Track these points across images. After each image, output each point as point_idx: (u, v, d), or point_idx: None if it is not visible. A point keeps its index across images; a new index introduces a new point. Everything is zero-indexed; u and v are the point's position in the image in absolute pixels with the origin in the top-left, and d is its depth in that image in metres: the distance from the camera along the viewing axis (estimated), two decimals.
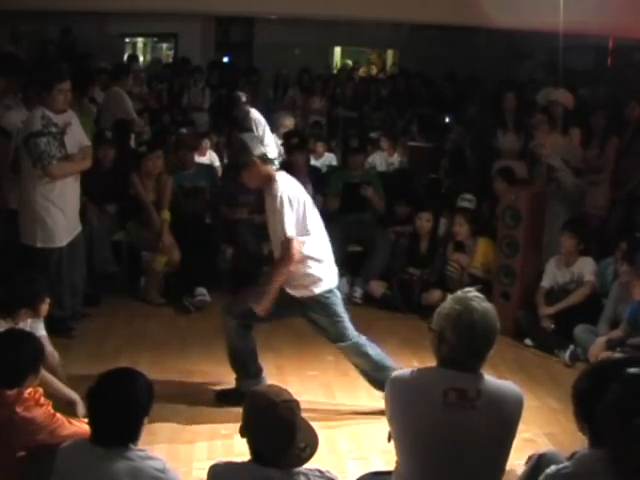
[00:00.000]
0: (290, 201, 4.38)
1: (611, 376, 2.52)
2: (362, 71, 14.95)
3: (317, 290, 4.52)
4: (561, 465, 2.62)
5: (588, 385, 2.69)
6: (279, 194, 4.36)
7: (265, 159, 4.48)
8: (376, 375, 4.60)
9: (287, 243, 4.37)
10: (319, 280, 4.53)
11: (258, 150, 4.49)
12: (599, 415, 2.42)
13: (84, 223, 6.02)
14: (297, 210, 4.42)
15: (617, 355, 2.81)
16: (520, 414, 2.78)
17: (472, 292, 2.83)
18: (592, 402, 2.61)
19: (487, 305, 2.78)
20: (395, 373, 2.87)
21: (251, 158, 4.45)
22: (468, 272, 6.48)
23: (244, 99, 8.74)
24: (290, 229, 4.35)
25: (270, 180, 4.45)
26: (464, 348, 2.73)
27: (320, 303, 4.55)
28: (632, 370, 2.47)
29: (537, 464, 3.07)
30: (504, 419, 2.74)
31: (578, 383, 2.74)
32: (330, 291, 4.58)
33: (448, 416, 2.68)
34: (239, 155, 4.56)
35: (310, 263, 4.50)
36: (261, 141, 4.60)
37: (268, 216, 4.54)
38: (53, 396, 3.76)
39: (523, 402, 2.80)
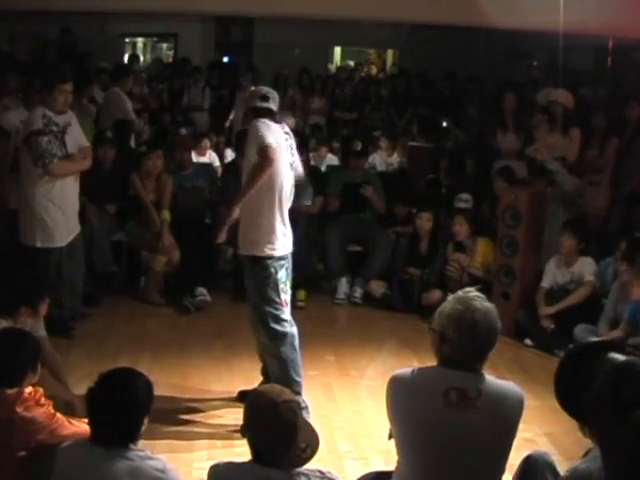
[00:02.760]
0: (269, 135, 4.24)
1: (591, 365, 2.43)
2: (364, 72, 14.95)
3: (257, 252, 4.33)
4: (578, 463, 2.59)
5: (571, 379, 2.63)
6: (256, 123, 4.27)
7: (258, 112, 4.38)
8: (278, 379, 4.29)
9: (264, 150, 4.19)
10: (261, 240, 4.32)
11: (253, 103, 4.43)
12: (588, 411, 2.30)
13: (84, 223, 6.02)
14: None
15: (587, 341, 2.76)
16: (521, 414, 2.78)
17: (473, 292, 2.84)
18: (578, 396, 2.56)
19: (488, 305, 2.78)
20: (395, 372, 2.86)
21: (246, 108, 4.55)
22: (468, 272, 6.48)
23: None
24: (268, 139, 4.19)
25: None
26: (466, 347, 2.73)
27: (254, 266, 4.36)
28: (616, 357, 2.39)
29: (524, 466, 3.06)
30: (504, 419, 2.74)
31: (559, 381, 2.67)
32: (270, 258, 4.33)
33: (449, 415, 2.68)
34: (246, 100, 4.70)
35: (263, 220, 4.32)
36: (266, 97, 4.41)
37: (245, 161, 4.43)
38: (53, 396, 3.76)
39: (524, 402, 2.80)
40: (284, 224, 4.41)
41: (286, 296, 4.42)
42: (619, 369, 2.23)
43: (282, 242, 4.39)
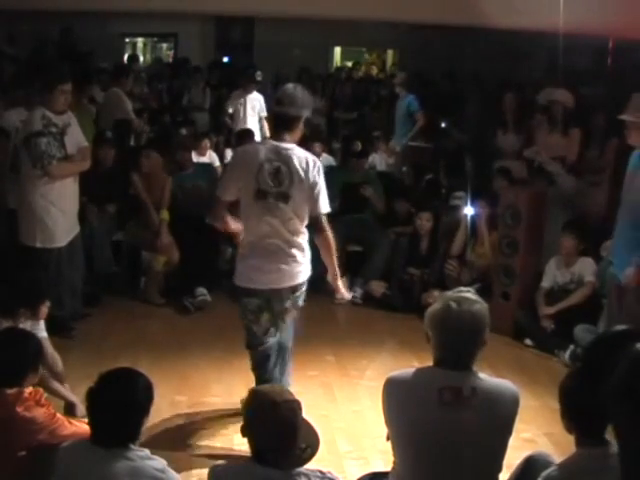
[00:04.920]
0: (232, 163, 4.11)
1: (606, 359, 2.39)
2: (362, 71, 14.96)
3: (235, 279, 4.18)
4: (550, 469, 2.63)
5: (579, 377, 2.66)
6: (233, 153, 4.14)
7: (272, 119, 4.21)
8: None
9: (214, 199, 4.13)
10: (237, 269, 4.16)
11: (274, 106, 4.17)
12: (607, 403, 2.11)
13: (84, 223, 6.02)
14: (240, 173, 3.98)
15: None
16: (516, 412, 2.78)
17: (461, 291, 2.84)
18: (581, 398, 2.58)
19: (469, 307, 2.74)
20: (390, 374, 2.87)
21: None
22: (468, 262, 6.47)
23: (259, 78, 9.15)
24: (218, 188, 4.07)
25: None
26: (440, 347, 2.76)
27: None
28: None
29: (526, 466, 3.08)
30: (500, 417, 2.74)
31: (566, 380, 2.71)
32: (238, 289, 4.14)
33: (444, 415, 2.68)
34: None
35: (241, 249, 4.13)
36: (279, 100, 4.02)
37: None
38: (52, 397, 3.76)
39: (519, 400, 2.80)
40: (262, 261, 4.03)
41: (255, 327, 4.17)
42: (637, 362, 2.08)
43: (251, 275, 4.08)
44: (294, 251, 4.05)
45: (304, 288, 4.21)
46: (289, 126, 3.98)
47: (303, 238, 4.10)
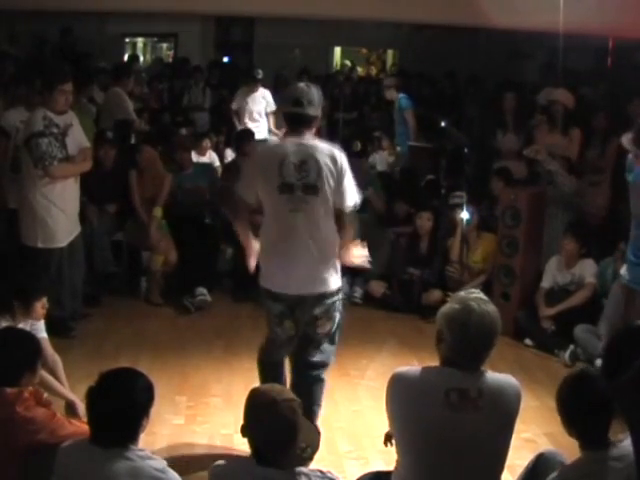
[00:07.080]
0: (251, 162, 4.02)
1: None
2: (360, 71, 14.97)
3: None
4: (552, 475, 2.63)
5: (571, 387, 2.68)
6: (253, 152, 4.09)
7: (287, 119, 3.95)
8: None
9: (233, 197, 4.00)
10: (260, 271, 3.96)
11: (286, 107, 3.96)
12: (620, 397, 2.15)
13: (84, 223, 6.02)
14: (258, 170, 3.86)
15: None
16: (519, 407, 2.79)
17: (475, 293, 2.83)
18: (577, 404, 2.60)
19: (487, 308, 2.76)
20: (398, 370, 2.85)
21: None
22: (467, 266, 6.48)
23: (260, 76, 9.30)
24: (239, 189, 3.90)
25: None
26: (457, 347, 2.74)
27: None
28: None
29: (535, 464, 3.08)
30: (504, 414, 2.75)
31: (561, 388, 2.73)
32: (262, 290, 3.94)
33: (449, 416, 2.67)
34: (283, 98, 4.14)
35: (261, 252, 3.93)
36: (299, 102, 3.81)
37: None
38: (52, 397, 3.76)
39: (521, 395, 2.80)
40: (286, 261, 3.80)
41: (279, 330, 3.94)
42: None
43: (275, 279, 3.86)
44: (323, 254, 3.81)
45: (337, 297, 3.93)
46: (310, 125, 3.86)
47: (335, 239, 3.88)
